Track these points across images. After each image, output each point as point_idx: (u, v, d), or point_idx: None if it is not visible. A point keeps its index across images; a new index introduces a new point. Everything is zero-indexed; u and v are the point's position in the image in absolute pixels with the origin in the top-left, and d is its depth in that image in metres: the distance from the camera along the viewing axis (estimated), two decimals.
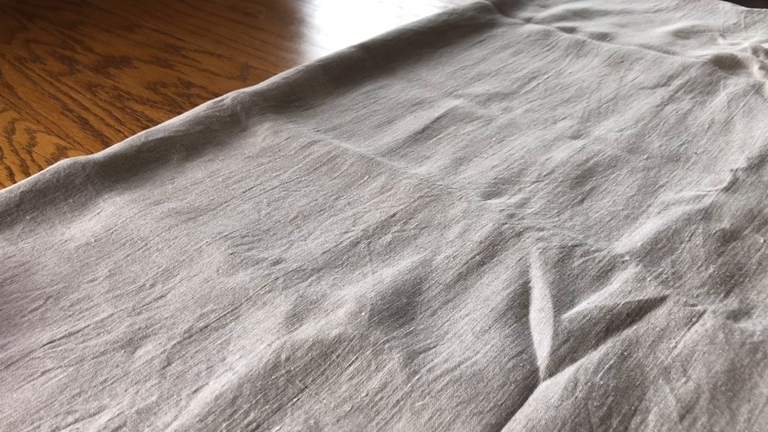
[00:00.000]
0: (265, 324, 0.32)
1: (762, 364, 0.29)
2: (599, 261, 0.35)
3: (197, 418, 0.27)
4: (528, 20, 0.69)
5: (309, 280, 0.34)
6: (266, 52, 0.67)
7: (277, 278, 0.34)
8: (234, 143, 0.47)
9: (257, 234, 0.38)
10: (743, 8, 0.69)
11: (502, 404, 0.28)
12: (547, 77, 0.57)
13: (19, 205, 0.39)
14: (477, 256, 0.36)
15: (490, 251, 0.36)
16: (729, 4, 0.71)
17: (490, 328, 0.32)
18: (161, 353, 0.30)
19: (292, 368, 0.29)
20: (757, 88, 0.53)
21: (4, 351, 0.30)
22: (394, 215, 0.39)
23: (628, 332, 0.31)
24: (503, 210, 0.39)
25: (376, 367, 0.29)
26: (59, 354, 0.30)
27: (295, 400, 0.28)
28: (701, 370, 0.29)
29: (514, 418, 0.27)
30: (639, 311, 0.32)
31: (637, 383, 0.29)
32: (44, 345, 0.31)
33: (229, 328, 0.32)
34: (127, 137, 0.47)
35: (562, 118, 0.50)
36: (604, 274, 0.35)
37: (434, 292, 0.34)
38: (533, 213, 0.39)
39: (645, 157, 0.45)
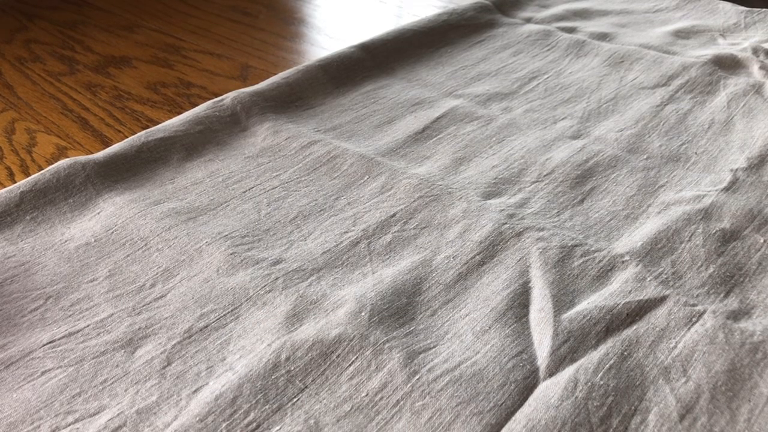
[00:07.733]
0: (265, 324, 0.32)
1: (762, 364, 0.29)
2: (599, 261, 0.35)
3: (197, 418, 0.27)
4: (528, 20, 0.69)
5: (309, 280, 0.34)
6: (266, 52, 0.67)
7: (277, 278, 0.34)
8: (234, 143, 0.47)
9: (257, 234, 0.38)
10: (743, 8, 0.69)
11: (502, 404, 0.28)
12: (547, 77, 0.57)
13: (19, 205, 0.39)
14: (477, 256, 0.36)
15: (490, 251, 0.36)
16: (729, 4, 0.71)
17: (490, 328, 0.32)
18: (161, 353, 0.30)
19: (292, 368, 0.29)
20: (757, 88, 0.53)
21: (4, 351, 0.30)
22: (394, 215, 0.39)
23: (628, 332, 0.31)
24: (503, 210, 0.39)
25: (376, 367, 0.29)
26: (59, 354, 0.30)
27: (295, 400, 0.28)
28: (701, 370, 0.29)
29: (514, 418, 0.27)
30: (639, 311, 0.32)
31: (637, 383, 0.29)
32: (44, 345, 0.31)
33: (229, 328, 0.32)
34: (127, 137, 0.47)
35: (562, 118, 0.50)
36: (604, 274, 0.35)
37: (434, 292, 0.34)
38: (533, 213, 0.39)
39: (645, 157, 0.45)
